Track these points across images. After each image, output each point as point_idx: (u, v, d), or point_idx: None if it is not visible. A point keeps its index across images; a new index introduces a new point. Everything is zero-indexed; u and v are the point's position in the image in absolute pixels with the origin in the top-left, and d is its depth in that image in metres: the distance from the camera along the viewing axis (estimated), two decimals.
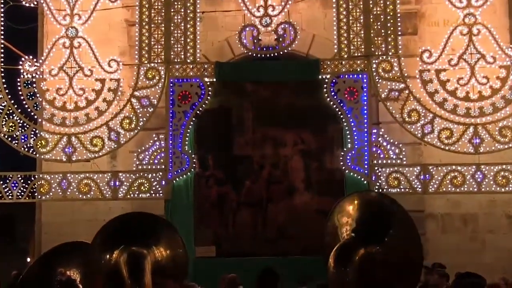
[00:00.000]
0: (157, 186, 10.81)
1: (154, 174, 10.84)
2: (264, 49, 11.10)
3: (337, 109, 10.78)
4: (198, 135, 11.15)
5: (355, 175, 10.63)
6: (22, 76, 11.10)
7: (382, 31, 10.84)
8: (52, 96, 11.08)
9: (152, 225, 6.00)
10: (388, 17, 10.84)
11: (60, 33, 11.21)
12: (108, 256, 5.84)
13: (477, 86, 10.70)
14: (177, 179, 10.81)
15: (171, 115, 10.90)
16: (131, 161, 11.21)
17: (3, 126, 11.02)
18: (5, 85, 11.17)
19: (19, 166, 11.55)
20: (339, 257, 4.86)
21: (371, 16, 10.86)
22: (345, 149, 10.77)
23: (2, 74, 11.19)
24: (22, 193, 11.00)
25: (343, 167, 10.71)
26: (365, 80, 10.81)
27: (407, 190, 10.60)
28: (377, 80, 10.78)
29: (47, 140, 11.05)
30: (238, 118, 11.39)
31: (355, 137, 10.68)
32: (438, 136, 10.69)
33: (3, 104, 11.08)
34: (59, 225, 11.62)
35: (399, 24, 10.89)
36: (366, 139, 10.68)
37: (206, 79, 10.99)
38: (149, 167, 10.88)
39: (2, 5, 11.36)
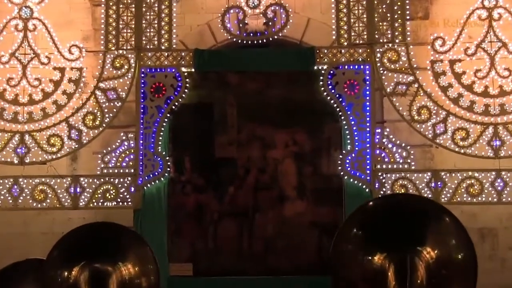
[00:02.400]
0: (125, 194, 10.68)
1: (121, 179, 10.71)
2: (251, 34, 10.99)
3: (335, 105, 10.70)
4: (174, 134, 11.00)
5: (356, 181, 10.55)
6: None
7: (388, 14, 10.74)
8: (2, 87, 10.92)
9: (118, 238, 5.87)
10: None
11: (11, 13, 11.02)
12: (66, 274, 5.71)
13: (498, 80, 10.61)
14: (149, 185, 10.68)
15: (142, 110, 10.76)
16: (94, 164, 11.08)
17: None
18: None
19: None
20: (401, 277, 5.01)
21: None
22: (344, 151, 10.67)
23: None
24: None
25: (342, 172, 10.62)
26: (367, 72, 10.71)
27: None
28: (381, 71, 10.69)
29: None
30: (221, 115, 11.21)
31: (356, 138, 10.61)
32: (452, 137, 10.61)
33: None
34: (9, 238, 11.60)
35: (407, 7, 10.81)
36: (368, 140, 10.59)
37: (184, 69, 10.87)
38: (116, 171, 10.75)
39: None
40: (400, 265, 4.98)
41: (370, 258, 5.19)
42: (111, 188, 10.71)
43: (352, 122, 10.64)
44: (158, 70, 10.88)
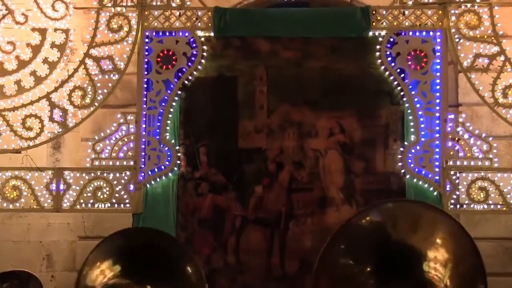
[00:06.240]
0: (122, 193, 10.62)
1: (118, 174, 10.65)
2: None
3: (395, 83, 10.61)
4: (186, 117, 10.96)
5: (421, 181, 10.43)
6: None
7: None
8: None
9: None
10: None
11: None
12: None
13: None
14: (153, 182, 10.65)
15: (145, 86, 10.75)
16: (83, 154, 11.18)
17: None
18: None
19: None
20: None
21: None
22: (406, 142, 10.56)
23: None
24: None
25: (403, 170, 10.51)
26: (438, 40, 10.59)
27: (498, 207, 10.33)
28: (457, 40, 10.54)
29: None
30: (246, 93, 11.09)
31: (422, 126, 10.50)
32: None
33: None
34: None
35: None
36: (438, 128, 10.47)
37: (200, 33, 10.82)
38: (111, 163, 10.69)
39: None
40: None
41: None
42: (104, 185, 10.64)
43: (418, 105, 10.51)
44: (167, 33, 10.86)
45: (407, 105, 10.58)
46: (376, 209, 6.54)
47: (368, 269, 5.76)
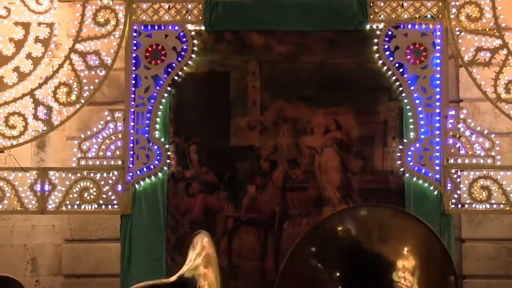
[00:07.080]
0: (110, 193, 10.50)
1: (105, 174, 10.53)
2: None
3: (393, 77, 10.52)
4: (176, 115, 10.87)
5: (420, 180, 10.35)
6: None
7: None
8: None
9: None
10: None
11: None
12: None
13: None
14: (142, 182, 10.56)
15: (133, 82, 10.65)
16: (69, 153, 11.11)
17: None
18: None
19: None
20: None
21: None
22: (405, 140, 10.47)
23: None
24: None
25: (402, 168, 10.43)
26: (438, 33, 10.50)
27: (501, 206, 10.23)
28: (457, 32, 10.44)
29: None
30: (239, 89, 10.99)
31: (421, 122, 10.42)
32: None
33: None
34: None
35: None
36: (438, 125, 10.38)
37: (190, 27, 10.73)
38: (98, 163, 10.57)
39: None
40: None
41: None
42: (91, 185, 10.52)
43: (417, 101, 10.42)
44: (156, 27, 10.76)
45: (406, 101, 10.50)
46: (348, 213, 6.46)
47: (338, 274, 5.78)
